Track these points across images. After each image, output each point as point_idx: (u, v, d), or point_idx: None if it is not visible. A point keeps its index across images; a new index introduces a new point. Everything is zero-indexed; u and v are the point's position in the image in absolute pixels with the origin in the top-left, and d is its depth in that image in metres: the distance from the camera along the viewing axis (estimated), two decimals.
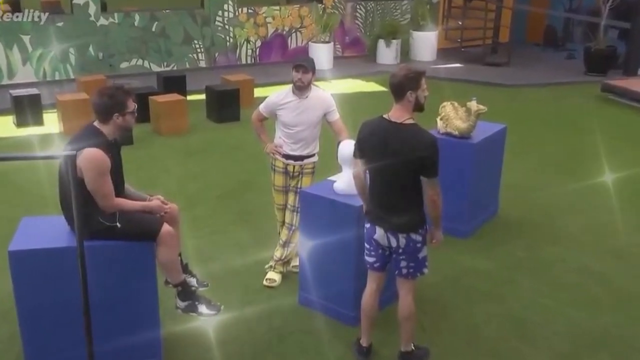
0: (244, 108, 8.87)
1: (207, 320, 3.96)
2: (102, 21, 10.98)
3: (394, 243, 3.55)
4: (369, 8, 13.59)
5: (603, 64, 11.95)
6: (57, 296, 3.49)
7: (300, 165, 4.60)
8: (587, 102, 10.33)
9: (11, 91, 8.84)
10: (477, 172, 5.41)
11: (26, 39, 10.45)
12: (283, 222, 4.72)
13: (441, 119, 5.45)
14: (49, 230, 3.63)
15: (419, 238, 3.56)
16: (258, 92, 9.52)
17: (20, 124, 8.48)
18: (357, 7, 13.47)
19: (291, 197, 4.62)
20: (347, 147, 4.02)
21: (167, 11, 11.51)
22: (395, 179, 3.46)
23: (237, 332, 4.14)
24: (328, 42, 12.54)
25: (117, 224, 3.48)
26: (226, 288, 4.59)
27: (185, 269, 3.93)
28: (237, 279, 4.78)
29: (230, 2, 11.98)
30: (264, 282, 4.69)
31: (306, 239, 4.31)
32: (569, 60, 13.61)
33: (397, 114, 3.45)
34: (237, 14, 12.12)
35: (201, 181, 6.75)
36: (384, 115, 3.49)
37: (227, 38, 12.16)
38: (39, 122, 8.54)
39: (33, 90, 8.82)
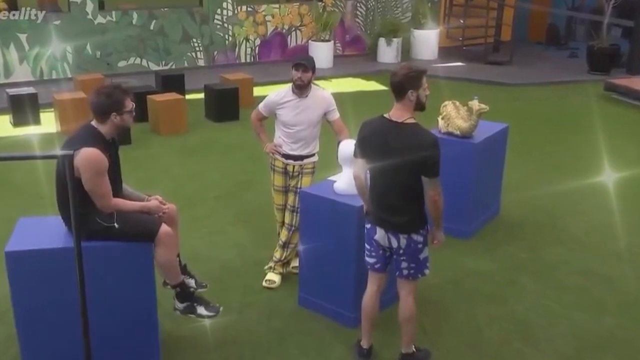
0: (243, 107, 8.85)
1: (206, 321, 3.94)
2: (100, 19, 10.94)
3: (394, 244, 3.53)
4: (369, 6, 13.56)
5: (606, 63, 11.91)
6: (55, 297, 3.48)
7: (300, 165, 4.57)
8: (590, 101, 10.29)
9: (8, 90, 8.80)
10: (478, 172, 5.39)
11: (23, 37, 10.42)
12: (283, 223, 4.69)
13: (442, 119, 5.43)
14: (46, 230, 3.61)
15: (420, 239, 3.54)
16: (257, 91, 9.47)
17: (17, 123, 8.45)
18: (358, 5, 13.44)
19: (291, 198, 4.60)
20: (347, 146, 4.00)
21: (165, 9, 11.47)
22: (396, 179, 3.44)
23: (237, 334, 4.11)
24: (328, 40, 12.51)
25: (115, 224, 3.46)
26: (225, 289, 4.57)
27: (184, 270, 3.91)
28: (236, 280, 4.76)
29: (229, 0, 11.95)
30: (264, 283, 4.66)
31: (306, 239, 4.29)
32: (571, 59, 13.57)
33: (398, 113, 3.43)
34: (236, 12, 12.09)
35: (200, 181, 6.72)
36: (385, 115, 3.47)
37: (226, 36, 12.13)
38: (36, 121, 8.51)
39: (30, 90, 8.78)
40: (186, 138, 8.13)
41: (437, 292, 4.62)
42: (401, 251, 3.53)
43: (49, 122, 8.46)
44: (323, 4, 12.82)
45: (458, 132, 5.29)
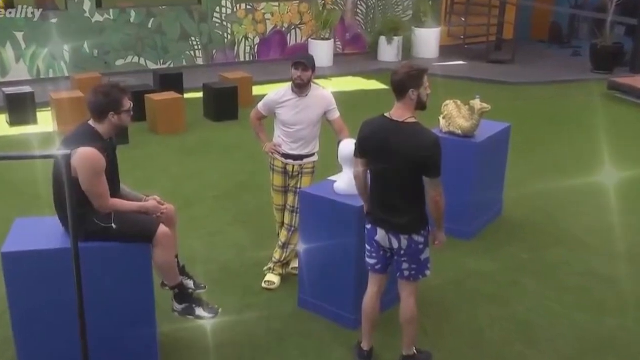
0: (242, 106, 8.81)
1: (204, 323, 3.92)
2: (97, 17, 10.91)
3: (395, 244, 3.51)
4: (370, 4, 13.53)
5: (609, 61, 11.87)
6: (52, 299, 3.46)
7: (300, 165, 4.55)
8: (593, 100, 10.25)
9: (4, 89, 8.77)
10: (480, 172, 5.36)
11: (19, 35, 10.39)
12: (282, 223, 4.68)
13: (444, 118, 5.41)
14: (43, 231, 3.59)
15: (421, 239, 3.52)
16: (257, 90, 9.45)
17: (13, 122, 8.42)
18: (358, 3, 13.42)
19: (290, 198, 4.58)
20: (347, 146, 3.98)
21: (163, 7, 11.44)
22: (396, 179, 3.42)
23: (235, 336, 4.09)
24: (328, 39, 12.49)
25: (113, 225, 3.44)
26: (224, 290, 4.55)
27: (182, 271, 3.89)
28: (235, 281, 4.74)
29: None
30: (263, 285, 4.64)
31: (306, 240, 4.27)
32: (574, 58, 13.54)
33: (399, 112, 3.41)
34: (235, 10, 12.06)
35: (198, 181, 6.70)
36: (386, 114, 3.45)
37: (225, 35, 12.10)
38: (33, 121, 8.49)
39: (27, 89, 8.76)
40: (185, 137, 8.11)
41: (438, 293, 4.60)
42: (402, 252, 3.51)
43: (46, 122, 8.44)
44: (323, 2, 12.79)
45: (460, 132, 5.27)
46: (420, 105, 3.42)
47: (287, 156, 4.54)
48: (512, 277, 4.88)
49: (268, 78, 10.50)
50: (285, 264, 4.70)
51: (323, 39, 12.41)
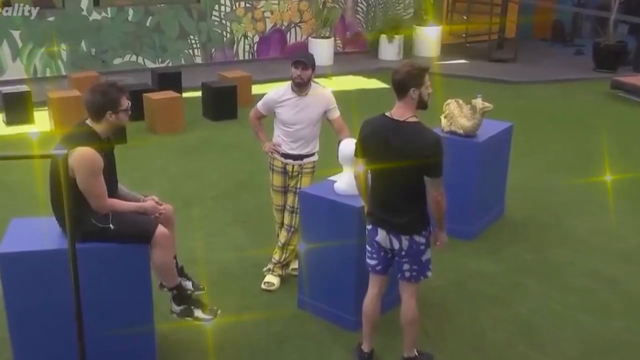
0: (241, 106, 8.79)
1: (203, 325, 3.89)
2: (95, 16, 10.86)
3: (396, 245, 3.49)
4: (370, 2, 13.51)
5: (613, 60, 11.84)
6: (48, 300, 3.44)
7: (300, 165, 4.53)
8: (596, 99, 10.24)
9: (1, 88, 8.73)
10: (482, 172, 5.34)
11: (16, 34, 10.34)
12: (282, 224, 4.65)
13: (445, 117, 5.40)
14: (40, 232, 3.57)
15: (422, 240, 3.50)
16: (256, 89, 9.43)
17: (10, 122, 8.38)
18: (359, 1, 13.39)
19: (290, 198, 4.55)
20: (348, 146, 3.96)
21: (162, 5, 11.40)
22: (397, 179, 3.40)
23: (234, 338, 4.07)
24: (328, 37, 12.45)
25: (110, 225, 3.42)
26: (223, 292, 4.52)
27: (181, 272, 3.87)
28: (234, 282, 4.72)
29: None
30: (262, 286, 4.62)
31: (306, 241, 4.25)
32: (577, 56, 13.52)
33: (400, 111, 3.39)
34: (234, 8, 12.02)
35: (197, 181, 6.67)
36: (386, 113, 3.44)
37: (224, 33, 12.06)
38: (30, 120, 8.45)
39: (23, 88, 8.72)
40: (183, 137, 8.08)
41: (439, 295, 4.57)
42: (403, 253, 3.49)
43: (42, 121, 8.40)
44: (323, 0, 12.76)
45: (461, 131, 5.25)
46: (422, 105, 3.40)
47: (286, 156, 4.52)
48: (514, 278, 4.86)
49: (267, 77, 10.47)
50: (284, 265, 4.68)
51: (323, 38, 12.38)
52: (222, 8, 11.92)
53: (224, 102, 8.76)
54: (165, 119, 8.15)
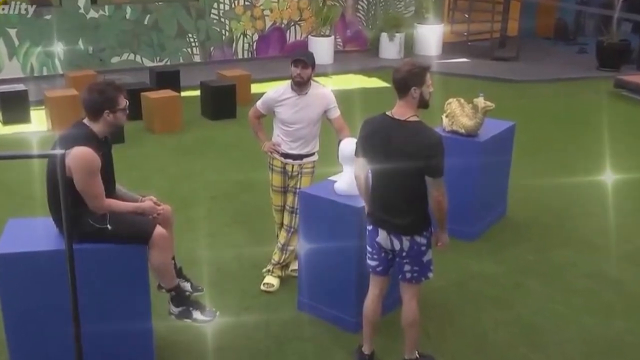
0: (240, 105, 8.75)
1: (202, 326, 3.88)
2: (92, 14, 10.83)
3: (397, 246, 3.47)
4: (371, 0, 13.44)
5: (616, 59, 11.80)
6: (45, 301, 3.43)
7: (300, 165, 4.51)
8: (599, 98, 10.20)
9: None
10: (484, 171, 5.32)
11: (13, 32, 10.30)
12: (281, 224, 4.64)
13: (447, 116, 5.38)
14: (37, 232, 3.56)
15: (423, 241, 3.48)
16: (255, 88, 9.39)
17: (6, 121, 8.36)
18: None
19: (290, 198, 4.53)
20: (348, 145, 3.94)
21: (160, 3, 11.37)
22: (398, 179, 3.38)
23: (234, 339, 4.05)
24: (328, 35, 12.43)
25: (108, 225, 3.40)
26: (222, 293, 4.51)
27: (179, 273, 3.84)
28: (233, 283, 4.70)
29: None
30: (262, 287, 4.59)
31: (305, 241, 4.23)
32: (580, 55, 13.48)
33: (401, 110, 3.37)
34: (233, 6, 11.99)
35: (196, 181, 6.65)
36: (387, 112, 3.42)
37: (223, 31, 12.03)
38: (26, 119, 8.43)
39: (20, 86, 8.70)
40: (181, 136, 8.05)
41: (441, 296, 4.55)
42: (404, 254, 3.48)
43: (39, 120, 8.38)
44: None
45: (463, 131, 5.23)
46: (423, 104, 3.39)
47: (286, 155, 4.49)
48: (516, 279, 4.83)
49: (267, 76, 10.42)
50: (284, 266, 4.66)
51: (323, 36, 12.35)
52: (221, 6, 11.89)
53: (222, 101, 8.74)
54: (163, 119, 8.13)
